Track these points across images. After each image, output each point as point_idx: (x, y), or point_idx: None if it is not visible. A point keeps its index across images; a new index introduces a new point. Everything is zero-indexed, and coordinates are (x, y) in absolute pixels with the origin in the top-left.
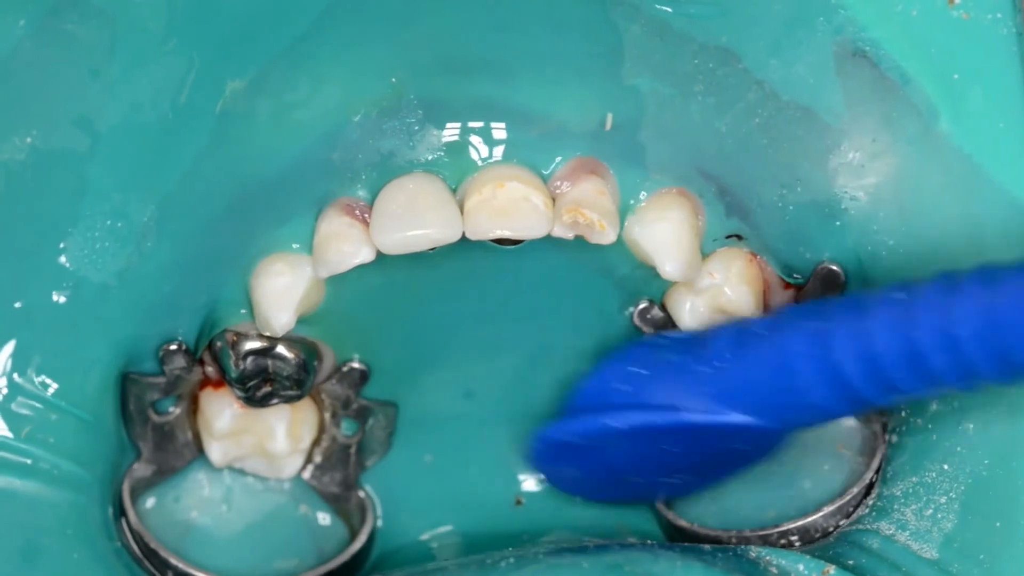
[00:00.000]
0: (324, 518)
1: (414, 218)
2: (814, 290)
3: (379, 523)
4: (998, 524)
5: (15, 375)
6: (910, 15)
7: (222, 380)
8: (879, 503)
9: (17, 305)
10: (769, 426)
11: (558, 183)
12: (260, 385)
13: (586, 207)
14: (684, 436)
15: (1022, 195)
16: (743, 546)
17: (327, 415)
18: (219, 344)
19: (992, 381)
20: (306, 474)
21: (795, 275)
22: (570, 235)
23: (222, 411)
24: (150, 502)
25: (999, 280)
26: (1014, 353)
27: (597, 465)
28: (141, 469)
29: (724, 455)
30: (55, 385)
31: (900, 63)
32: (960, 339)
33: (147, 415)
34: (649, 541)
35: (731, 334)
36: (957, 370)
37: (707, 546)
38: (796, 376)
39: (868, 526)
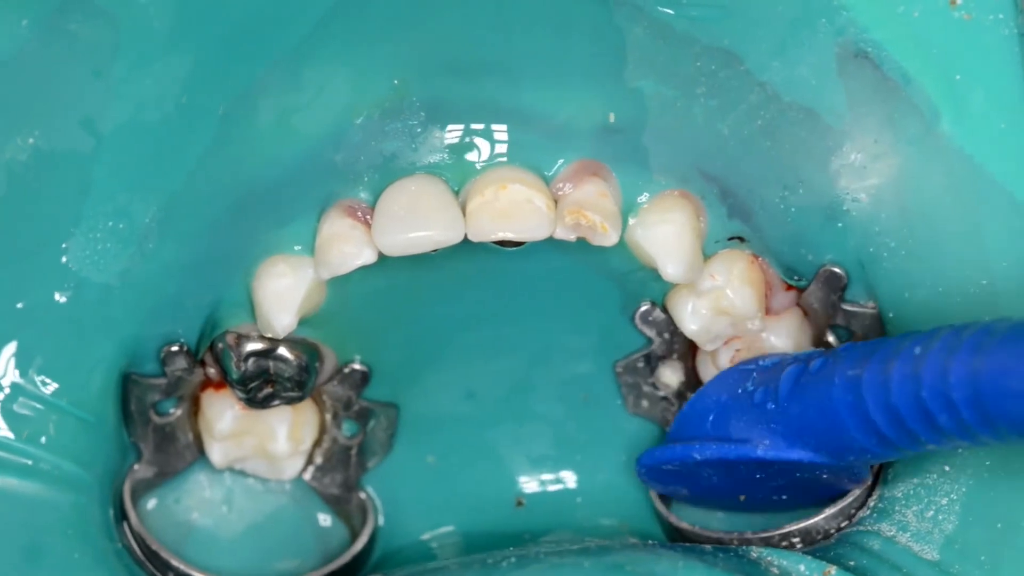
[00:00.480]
0: (325, 519)
1: (416, 220)
2: (816, 291)
3: (380, 523)
4: (999, 526)
5: (17, 376)
6: (912, 16)
7: (223, 381)
8: (880, 504)
9: (19, 305)
10: (831, 462)
11: (560, 185)
12: (261, 386)
13: (588, 209)
14: (762, 466)
15: (1023, 195)
16: (744, 547)
17: (328, 416)
18: (220, 345)
19: (994, 441)
20: (307, 475)
21: (796, 276)
22: (572, 237)
23: (223, 412)
24: (151, 503)
25: (987, 346)
26: (996, 420)
27: (696, 483)
28: (142, 470)
29: (811, 480)
30: (57, 386)
31: (902, 64)
32: (955, 402)
33: (148, 416)
34: (651, 541)
35: (795, 372)
36: (959, 429)
37: (708, 547)
38: (840, 419)
39: (869, 527)
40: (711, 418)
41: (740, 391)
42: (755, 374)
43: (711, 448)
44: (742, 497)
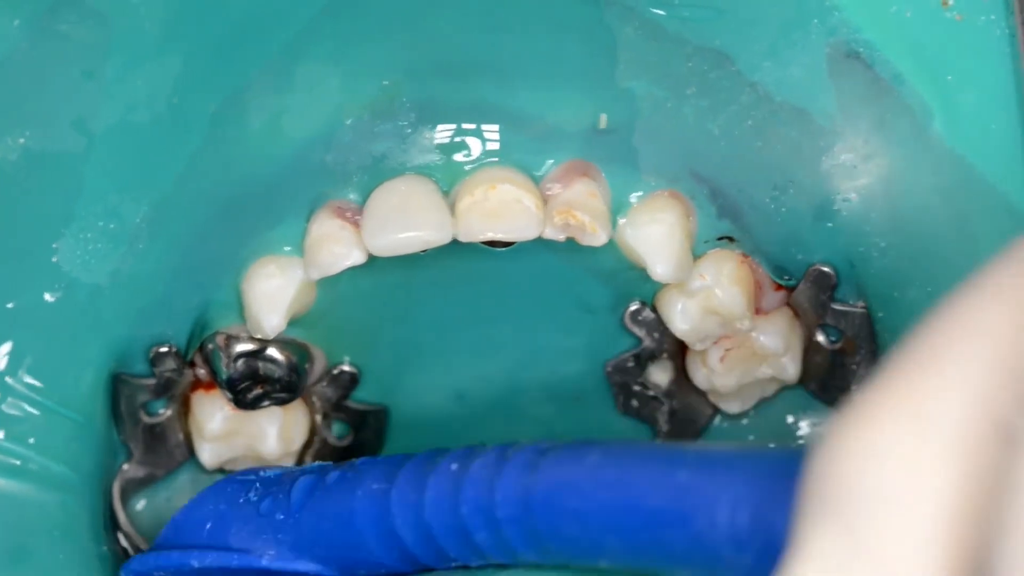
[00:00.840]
0: None
1: (405, 220)
2: (805, 291)
3: None
4: None
5: (5, 376)
6: (904, 17)
7: (213, 382)
8: None
9: (9, 306)
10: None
11: (550, 185)
12: (251, 387)
13: (577, 209)
14: (263, 573)
15: (1014, 196)
16: None
17: (318, 418)
18: (210, 346)
19: (536, 559)
20: None
21: (786, 276)
22: (561, 237)
23: (213, 413)
24: (141, 503)
25: (541, 464)
26: (546, 538)
27: None
28: (132, 470)
29: None
30: (46, 386)
31: (894, 64)
32: (499, 520)
33: (138, 416)
34: None
35: (308, 483)
36: (498, 548)
37: None
38: (360, 534)
39: None
40: (208, 526)
41: (242, 500)
42: (258, 485)
43: (211, 556)
44: None
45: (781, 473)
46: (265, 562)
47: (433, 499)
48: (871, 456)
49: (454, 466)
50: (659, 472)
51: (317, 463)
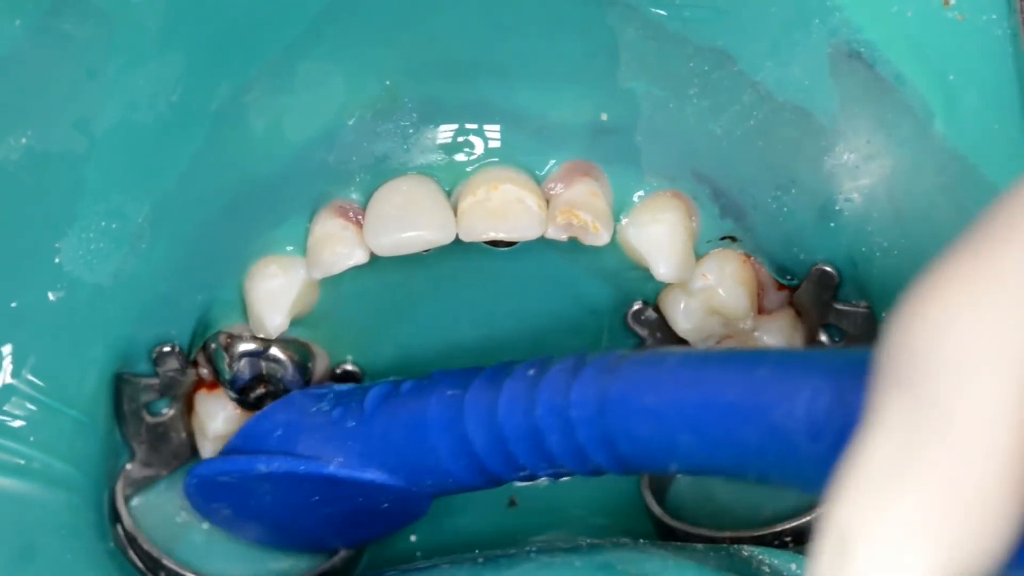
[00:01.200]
0: None
1: (408, 220)
2: (808, 291)
3: None
4: None
5: (9, 375)
6: (905, 16)
7: (216, 382)
8: None
9: (12, 305)
10: (408, 488)
11: (552, 185)
12: (254, 387)
13: (580, 209)
14: (329, 487)
15: None
16: (736, 546)
17: None
18: (213, 346)
19: (605, 467)
20: None
21: (789, 276)
22: (564, 237)
23: (216, 413)
24: (144, 503)
25: (618, 367)
26: (617, 439)
27: (247, 503)
28: (135, 470)
29: (373, 512)
30: (49, 385)
31: (895, 64)
32: (572, 421)
33: (141, 416)
34: (642, 540)
35: (382, 392)
36: (571, 451)
37: (699, 545)
38: (430, 440)
39: None
40: (278, 433)
41: (314, 409)
42: (331, 395)
43: (278, 461)
44: (293, 526)
45: (860, 365)
46: (332, 469)
47: (508, 401)
48: (944, 325)
49: (531, 371)
50: (738, 370)
51: (392, 377)
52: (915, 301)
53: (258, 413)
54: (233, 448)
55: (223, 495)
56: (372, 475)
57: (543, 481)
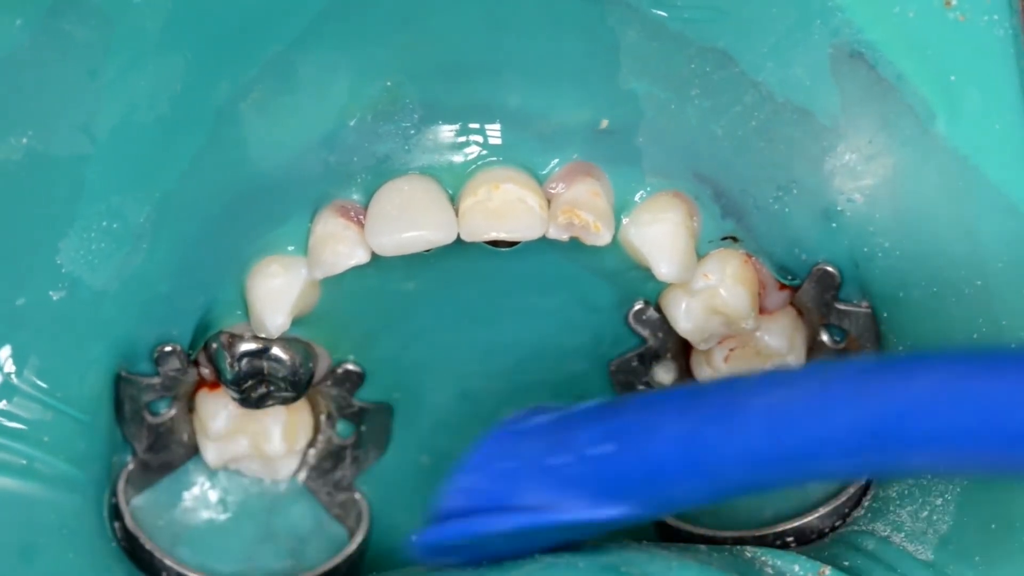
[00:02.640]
0: (320, 520)
1: (409, 220)
2: (809, 291)
3: (375, 525)
4: (993, 526)
5: (11, 376)
6: (907, 17)
7: (218, 381)
8: (875, 504)
9: (15, 304)
10: (644, 513)
11: (553, 185)
12: (255, 386)
13: (581, 208)
14: (563, 526)
15: (1018, 197)
16: (738, 546)
17: (322, 417)
18: (214, 345)
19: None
20: (301, 476)
21: (790, 276)
22: (565, 236)
23: (218, 412)
24: (145, 502)
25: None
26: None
27: (480, 552)
28: (136, 469)
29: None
30: (51, 386)
31: (896, 65)
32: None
33: (142, 416)
34: (645, 541)
35: (598, 419)
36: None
37: (703, 546)
38: (669, 465)
39: (864, 527)
40: (500, 487)
41: (523, 452)
42: (537, 430)
43: (511, 518)
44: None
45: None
46: (568, 516)
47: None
48: None
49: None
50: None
51: (596, 400)
52: None
53: (466, 465)
54: (449, 509)
55: (451, 552)
56: (612, 512)
57: None
